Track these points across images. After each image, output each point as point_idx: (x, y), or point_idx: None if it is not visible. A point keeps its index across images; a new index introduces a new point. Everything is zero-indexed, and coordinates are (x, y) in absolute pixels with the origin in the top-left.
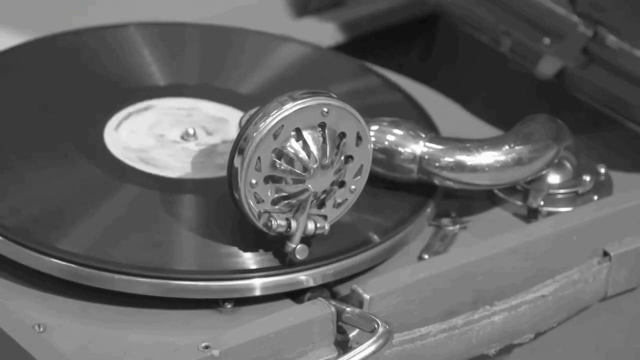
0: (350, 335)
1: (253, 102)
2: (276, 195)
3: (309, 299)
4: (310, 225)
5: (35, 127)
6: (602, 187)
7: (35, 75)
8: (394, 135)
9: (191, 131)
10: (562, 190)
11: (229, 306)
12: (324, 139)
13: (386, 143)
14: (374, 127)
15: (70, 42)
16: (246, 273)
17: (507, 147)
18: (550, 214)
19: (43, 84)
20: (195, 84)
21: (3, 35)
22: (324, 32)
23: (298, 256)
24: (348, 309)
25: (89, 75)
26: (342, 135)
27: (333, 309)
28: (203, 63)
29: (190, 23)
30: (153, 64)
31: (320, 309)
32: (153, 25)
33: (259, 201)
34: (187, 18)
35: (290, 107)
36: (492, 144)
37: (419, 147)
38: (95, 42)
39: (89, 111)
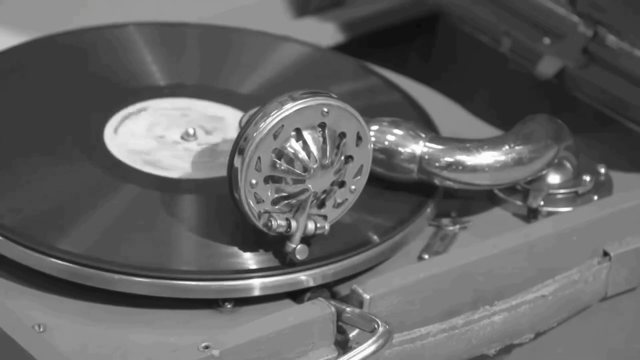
0: (350, 335)
1: (253, 102)
2: (276, 195)
3: (309, 299)
4: (310, 225)
5: (35, 127)
6: (602, 187)
7: (35, 75)
8: (394, 135)
9: (191, 131)
10: (562, 190)
11: (229, 306)
12: (324, 139)
13: (386, 143)
14: (374, 127)
15: (69, 42)
16: (246, 273)
17: (507, 147)
18: (550, 214)
19: (43, 84)
20: (195, 83)
21: (3, 35)
22: (324, 32)
23: (298, 256)
24: (348, 309)
25: (89, 76)
26: (342, 135)
27: (333, 309)
28: (203, 63)
29: (189, 23)
30: (153, 64)
31: (320, 309)
32: (153, 25)
33: (259, 201)
34: (187, 18)
35: (290, 107)
36: (492, 144)
37: (419, 147)
38: (95, 42)
39: (89, 111)
